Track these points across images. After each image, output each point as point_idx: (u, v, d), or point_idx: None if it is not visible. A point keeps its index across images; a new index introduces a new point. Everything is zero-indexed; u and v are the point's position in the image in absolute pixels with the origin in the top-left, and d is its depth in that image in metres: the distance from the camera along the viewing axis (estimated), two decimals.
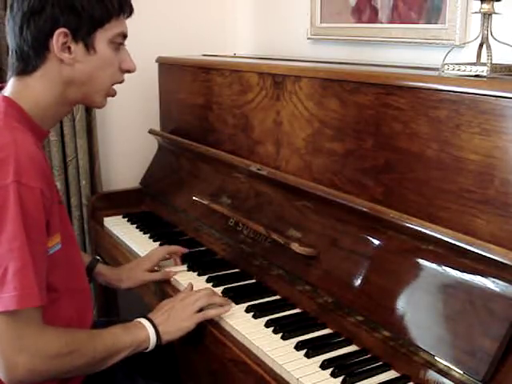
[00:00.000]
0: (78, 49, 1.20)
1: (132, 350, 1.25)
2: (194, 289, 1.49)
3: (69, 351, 1.13)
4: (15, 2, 1.19)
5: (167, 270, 1.66)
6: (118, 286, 1.63)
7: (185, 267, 1.68)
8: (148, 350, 1.29)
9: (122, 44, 1.27)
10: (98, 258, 1.67)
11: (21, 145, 1.10)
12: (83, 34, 1.19)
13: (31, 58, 1.19)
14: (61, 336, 1.14)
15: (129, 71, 1.30)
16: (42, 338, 1.10)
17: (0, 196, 1.06)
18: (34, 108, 1.21)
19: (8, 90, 1.23)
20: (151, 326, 1.30)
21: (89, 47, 1.21)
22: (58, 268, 1.19)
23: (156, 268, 1.67)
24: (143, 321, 1.31)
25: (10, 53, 1.23)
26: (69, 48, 1.19)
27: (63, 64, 1.20)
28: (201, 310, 1.38)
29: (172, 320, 1.33)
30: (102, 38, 1.21)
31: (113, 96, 1.32)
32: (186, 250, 1.73)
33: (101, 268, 1.62)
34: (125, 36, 1.27)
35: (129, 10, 1.27)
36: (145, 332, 1.28)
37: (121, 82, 1.31)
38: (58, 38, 1.17)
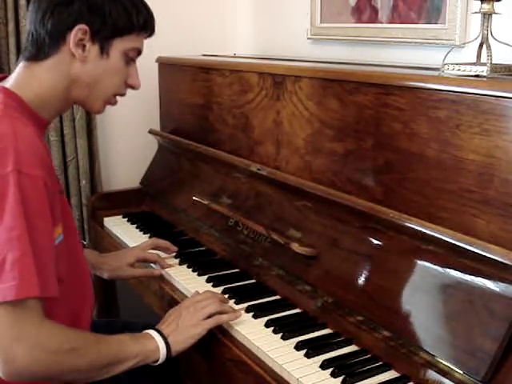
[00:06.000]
0: (92, 49, 1.21)
1: (139, 360, 1.21)
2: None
3: (70, 348, 1.10)
4: None
5: (154, 266, 1.68)
6: (100, 274, 1.62)
7: (176, 262, 1.70)
8: (158, 362, 1.25)
9: (134, 59, 1.30)
10: (85, 242, 1.66)
11: (20, 134, 1.10)
12: (102, 37, 1.21)
13: (45, 46, 1.20)
14: (63, 331, 1.11)
15: (133, 87, 1.32)
16: (43, 330, 1.07)
17: None
18: (34, 98, 1.21)
19: (12, 79, 1.23)
20: (160, 337, 1.26)
21: (103, 51, 1.23)
22: (61, 259, 1.18)
23: (151, 264, 1.69)
24: (151, 332, 1.27)
25: (26, 36, 1.24)
26: (84, 46, 1.21)
27: (74, 59, 1.21)
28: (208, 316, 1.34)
29: (181, 328, 1.29)
30: (117, 46, 1.24)
31: (113, 105, 1.33)
32: (174, 249, 1.74)
33: (87, 253, 1.58)
34: (139, 53, 1.30)
35: (150, 31, 1.30)
36: (153, 343, 1.24)
37: (122, 95, 1.32)
38: (77, 32, 1.19)
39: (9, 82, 1.23)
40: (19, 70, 1.24)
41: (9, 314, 1.04)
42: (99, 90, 1.26)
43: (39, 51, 1.21)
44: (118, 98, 1.33)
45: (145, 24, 1.27)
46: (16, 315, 1.04)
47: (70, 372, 1.12)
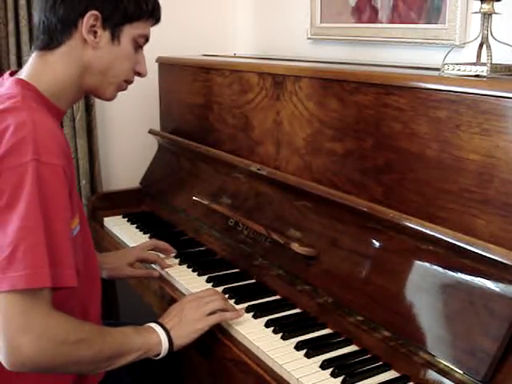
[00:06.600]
0: (103, 35, 1.23)
1: (142, 353, 1.20)
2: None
3: (76, 339, 1.09)
4: None
5: (154, 266, 1.68)
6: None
7: (176, 262, 1.70)
8: (160, 356, 1.24)
9: (142, 46, 1.31)
10: None
11: (39, 124, 1.10)
12: (113, 23, 1.23)
13: (57, 33, 1.21)
14: (69, 322, 1.10)
15: (140, 74, 1.33)
16: (50, 321, 1.06)
17: (17, 174, 1.05)
18: (49, 88, 1.21)
19: (25, 70, 1.24)
20: (162, 331, 1.25)
21: (114, 37, 1.24)
22: (78, 250, 1.18)
23: (149, 265, 1.69)
24: (154, 325, 1.26)
25: (37, 25, 1.25)
26: (95, 32, 1.22)
27: (86, 46, 1.22)
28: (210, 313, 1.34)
29: (184, 323, 1.28)
30: (127, 33, 1.25)
31: (123, 90, 1.34)
32: (173, 251, 1.74)
33: None
34: (147, 40, 1.31)
35: (156, 18, 1.32)
36: (156, 337, 1.23)
37: (131, 82, 1.33)
38: (89, 19, 1.20)
39: (23, 74, 1.23)
40: (32, 60, 1.25)
41: (17, 303, 1.03)
42: (111, 77, 1.27)
43: (51, 39, 1.22)
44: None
45: (153, 10, 1.30)
46: (25, 304, 1.03)
47: (73, 364, 1.11)
